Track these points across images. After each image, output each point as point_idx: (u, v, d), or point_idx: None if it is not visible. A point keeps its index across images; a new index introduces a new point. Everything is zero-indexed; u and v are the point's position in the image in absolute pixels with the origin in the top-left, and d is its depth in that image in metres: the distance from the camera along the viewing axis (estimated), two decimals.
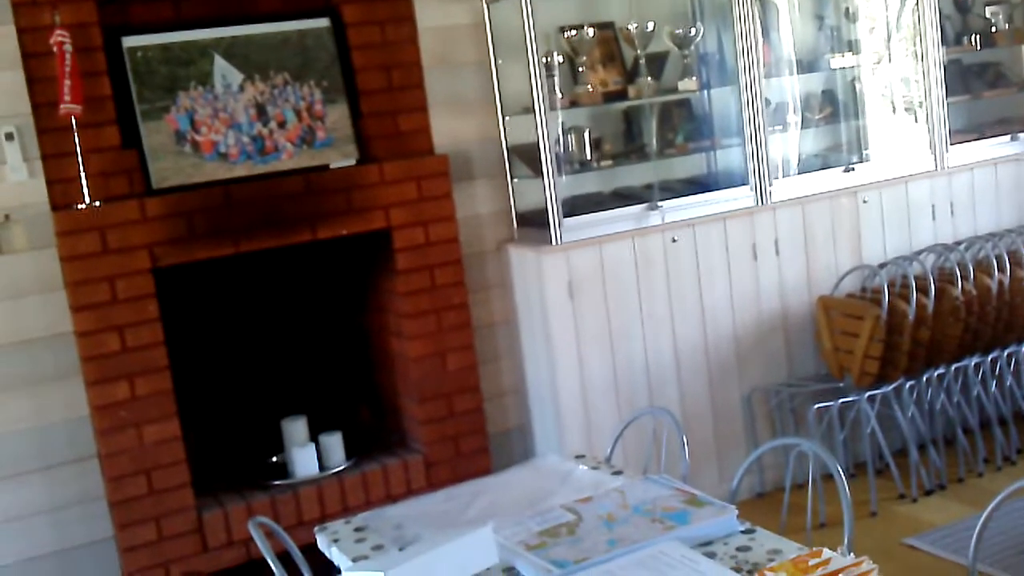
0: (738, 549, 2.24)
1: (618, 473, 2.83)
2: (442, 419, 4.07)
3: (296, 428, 3.99)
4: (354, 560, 2.49)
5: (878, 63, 4.98)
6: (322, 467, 3.96)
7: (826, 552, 2.03)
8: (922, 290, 4.32)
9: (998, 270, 4.50)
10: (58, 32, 3.42)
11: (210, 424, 4.06)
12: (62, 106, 3.44)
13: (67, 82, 3.42)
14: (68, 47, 3.42)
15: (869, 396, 4.27)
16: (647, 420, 3.42)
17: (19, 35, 3.50)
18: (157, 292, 3.60)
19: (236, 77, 3.80)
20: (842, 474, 2.46)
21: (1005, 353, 4.59)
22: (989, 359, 4.56)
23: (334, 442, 4.02)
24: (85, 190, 3.52)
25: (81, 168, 3.52)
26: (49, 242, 3.57)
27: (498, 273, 4.34)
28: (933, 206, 4.86)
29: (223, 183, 3.72)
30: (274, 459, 4.09)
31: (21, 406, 3.60)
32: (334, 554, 2.60)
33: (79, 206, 3.52)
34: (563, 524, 2.43)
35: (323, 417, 4.13)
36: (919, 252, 4.71)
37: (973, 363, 4.52)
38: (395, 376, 4.20)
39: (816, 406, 4.28)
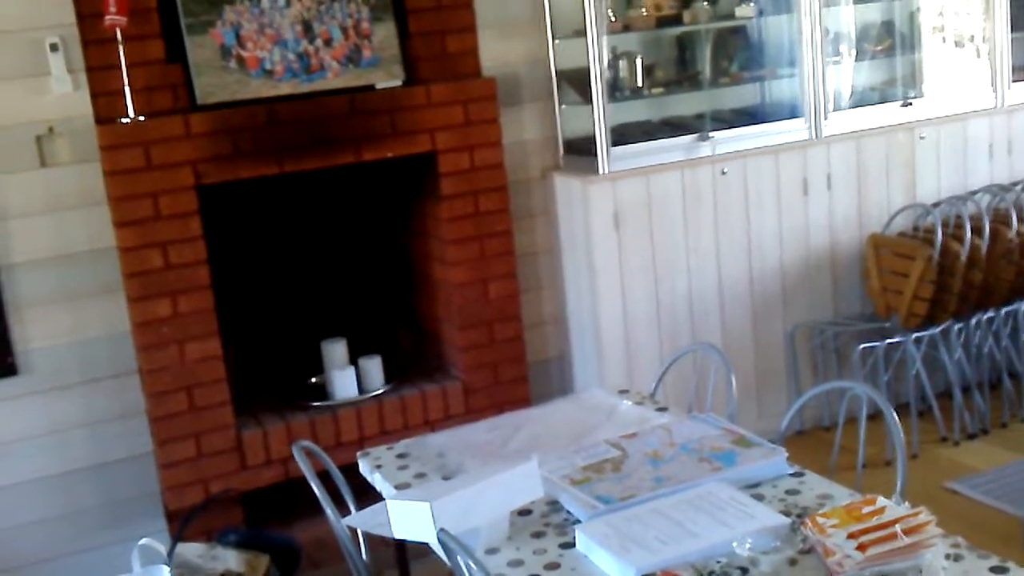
0: (787, 492, 2.21)
1: (663, 410, 2.79)
2: (482, 346, 4.04)
3: (336, 350, 3.98)
4: (397, 487, 2.48)
5: None
6: (361, 390, 3.96)
7: (880, 500, 1.99)
8: (976, 231, 4.22)
9: None
10: None
11: (251, 344, 4.06)
12: (107, 17, 3.37)
13: None
14: None
15: (916, 338, 4.20)
16: (689, 354, 3.38)
17: None
18: (200, 210, 3.56)
19: None
20: (896, 421, 2.41)
21: None
22: None
23: (373, 365, 4.01)
24: (129, 104, 3.47)
25: (126, 81, 3.46)
26: (93, 156, 3.53)
27: (542, 201, 4.27)
28: (991, 145, 4.73)
29: (268, 101, 3.66)
30: (313, 380, 4.08)
31: (62, 320, 3.60)
32: (376, 480, 2.60)
33: (123, 120, 3.47)
34: (608, 460, 2.40)
35: (363, 340, 4.12)
36: (974, 192, 4.60)
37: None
38: (436, 302, 4.17)
39: (862, 346, 4.22)
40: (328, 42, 3.78)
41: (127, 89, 3.47)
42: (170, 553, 3.08)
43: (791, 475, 2.29)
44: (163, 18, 3.58)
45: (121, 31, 3.42)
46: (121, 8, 3.38)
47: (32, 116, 3.49)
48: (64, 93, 3.50)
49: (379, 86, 3.84)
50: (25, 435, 3.58)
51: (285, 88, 3.72)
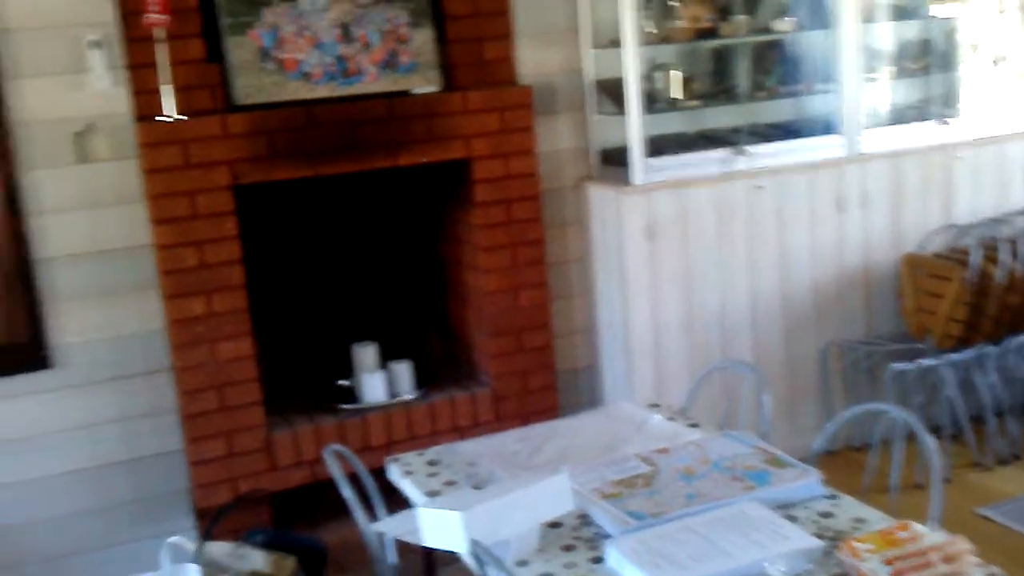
0: (820, 514, 2.19)
1: (694, 426, 2.78)
2: (512, 354, 4.04)
3: (367, 354, 3.99)
4: (427, 494, 2.48)
5: (981, 14, 4.77)
6: (390, 394, 3.96)
7: (915, 526, 1.97)
8: (1013, 254, 4.17)
9: None
10: None
11: (282, 344, 4.07)
12: (148, 16, 3.40)
13: None
14: None
15: (950, 360, 4.16)
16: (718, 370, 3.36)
17: None
18: (236, 210, 3.58)
19: None
20: (933, 446, 2.38)
21: None
22: None
23: (403, 370, 4.01)
24: (168, 103, 3.49)
25: (165, 80, 3.48)
26: (131, 153, 3.55)
27: (575, 210, 4.26)
28: None
29: (305, 103, 3.68)
30: (343, 383, 4.09)
31: (97, 316, 3.62)
32: (406, 486, 2.60)
33: (162, 118, 3.49)
34: (640, 475, 2.39)
35: (393, 344, 4.12)
36: (1011, 214, 4.55)
37: None
38: (467, 308, 4.17)
39: (895, 367, 4.18)
40: (366, 46, 3.79)
41: (166, 88, 3.49)
42: (198, 551, 3.08)
43: (825, 497, 2.27)
44: (203, 18, 3.60)
45: (162, 30, 3.44)
46: (162, 7, 3.41)
47: (71, 112, 3.51)
48: (103, 90, 3.53)
49: (415, 91, 3.85)
50: (58, 428, 3.60)
51: (322, 91, 3.73)
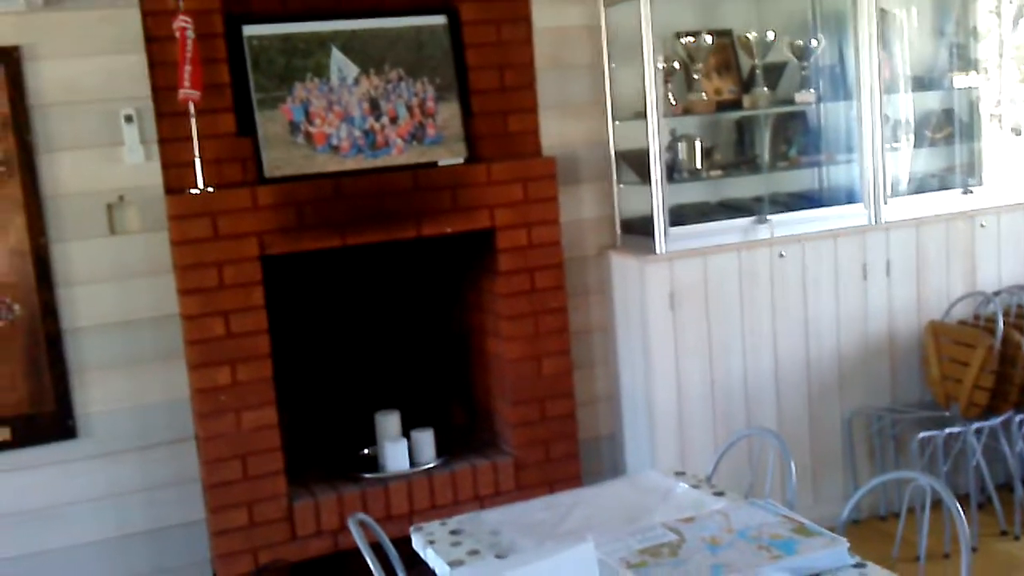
0: None
1: (720, 494, 2.76)
2: (534, 423, 4.04)
3: (389, 422, 4.00)
4: (450, 564, 2.47)
5: (1000, 84, 4.81)
6: (413, 463, 3.96)
7: None
8: None
9: None
10: (181, 18, 3.46)
11: (305, 413, 4.08)
12: (181, 91, 3.48)
13: (187, 68, 3.46)
14: (190, 33, 3.46)
15: (976, 428, 4.13)
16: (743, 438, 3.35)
17: (143, 19, 3.56)
18: (263, 280, 3.62)
19: (352, 70, 3.81)
20: (962, 514, 2.36)
21: None
22: None
23: (426, 438, 4.01)
24: (199, 175, 3.56)
25: (196, 153, 3.55)
26: (161, 225, 3.62)
27: (598, 279, 4.29)
28: None
29: (333, 176, 3.74)
30: (366, 452, 4.09)
31: (123, 385, 3.66)
32: (429, 556, 2.58)
33: (192, 191, 3.56)
34: (665, 544, 2.38)
35: (416, 413, 4.13)
36: None
37: None
38: (489, 377, 4.18)
39: (921, 435, 4.15)
40: (394, 120, 3.86)
41: (198, 161, 3.56)
42: None
43: (852, 566, 2.25)
44: (235, 93, 3.68)
45: (194, 105, 3.52)
46: (195, 82, 3.48)
47: (104, 185, 3.59)
48: (136, 163, 3.61)
49: (441, 163, 3.91)
50: (82, 498, 3.62)
51: (350, 164, 3.80)
